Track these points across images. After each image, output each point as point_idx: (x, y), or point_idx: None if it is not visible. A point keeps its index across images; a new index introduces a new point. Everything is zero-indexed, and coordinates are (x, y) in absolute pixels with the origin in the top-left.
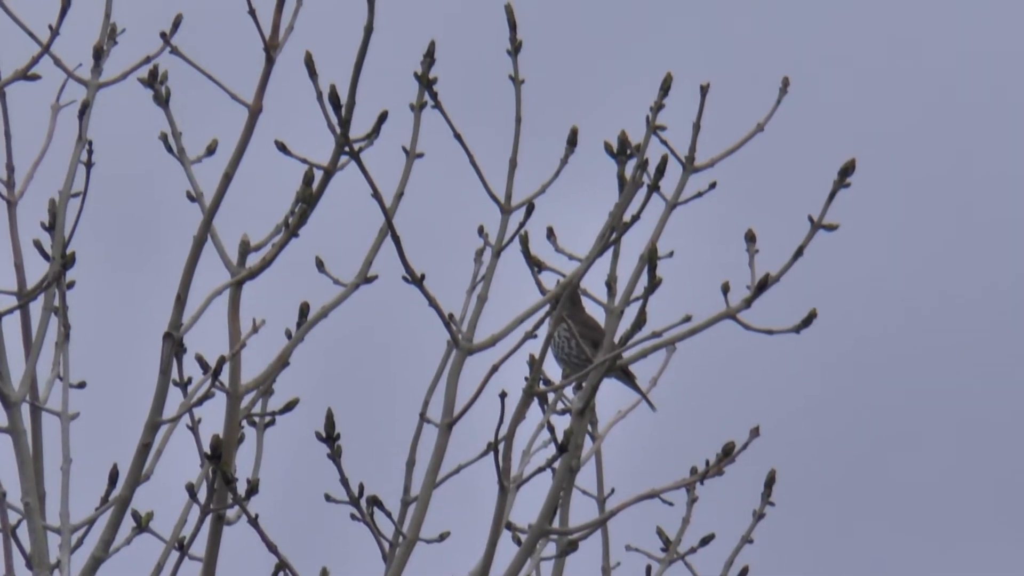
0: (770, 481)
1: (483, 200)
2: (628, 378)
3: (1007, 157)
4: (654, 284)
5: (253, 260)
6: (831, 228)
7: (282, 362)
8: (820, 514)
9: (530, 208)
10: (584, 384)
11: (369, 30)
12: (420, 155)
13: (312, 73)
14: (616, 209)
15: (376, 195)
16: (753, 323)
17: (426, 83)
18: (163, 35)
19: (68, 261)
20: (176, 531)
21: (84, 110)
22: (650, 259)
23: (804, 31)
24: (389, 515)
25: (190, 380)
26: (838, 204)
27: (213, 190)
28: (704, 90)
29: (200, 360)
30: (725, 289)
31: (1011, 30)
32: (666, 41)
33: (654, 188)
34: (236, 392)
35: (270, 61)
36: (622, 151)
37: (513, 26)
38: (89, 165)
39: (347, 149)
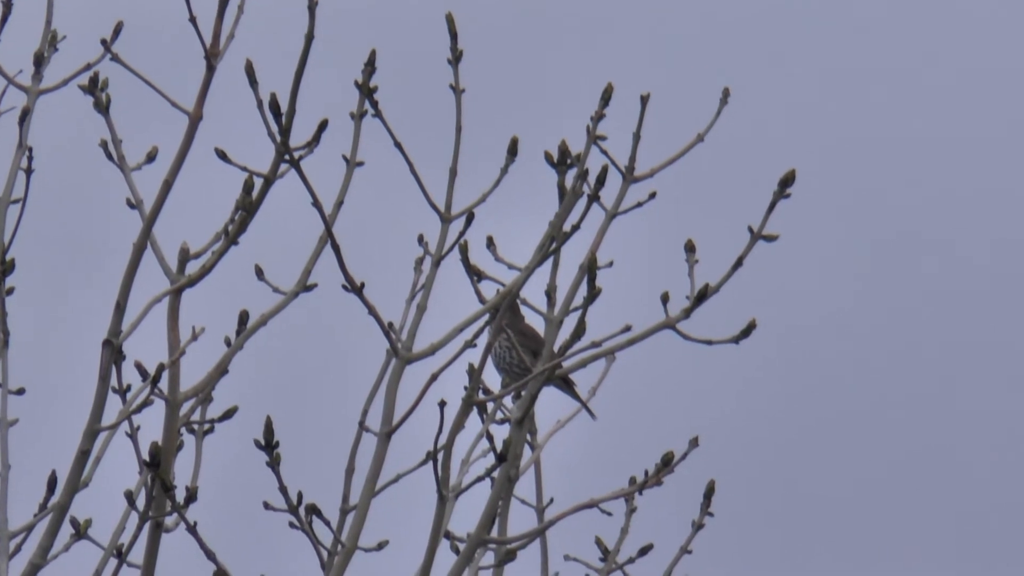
0: (709, 491)
1: (423, 209)
2: (568, 387)
3: (945, 168)
4: (593, 294)
5: (193, 268)
6: (771, 238)
7: (221, 370)
8: (759, 525)
9: (470, 217)
10: (523, 393)
11: (310, 38)
12: (360, 164)
13: (252, 81)
14: (556, 219)
15: (316, 203)
16: (692, 333)
17: (366, 92)
18: (104, 42)
19: (7, 267)
20: (114, 538)
21: (24, 117)
22: (590, 269)
23: (744, 42)
24: (328, 523)
25: (129, 387)
26: (778, 214)
27: (153, 197)
28: (644, 100)
29: (139, 367)
30: (664, 299)
31: (950, 39)
32: (607, 51)
33: (594, 198)
34: (175, 400)
35: (211, 69)
36: (562, 161)
37: (454, 35)
38: (29, 172)
39: (287, 157)
